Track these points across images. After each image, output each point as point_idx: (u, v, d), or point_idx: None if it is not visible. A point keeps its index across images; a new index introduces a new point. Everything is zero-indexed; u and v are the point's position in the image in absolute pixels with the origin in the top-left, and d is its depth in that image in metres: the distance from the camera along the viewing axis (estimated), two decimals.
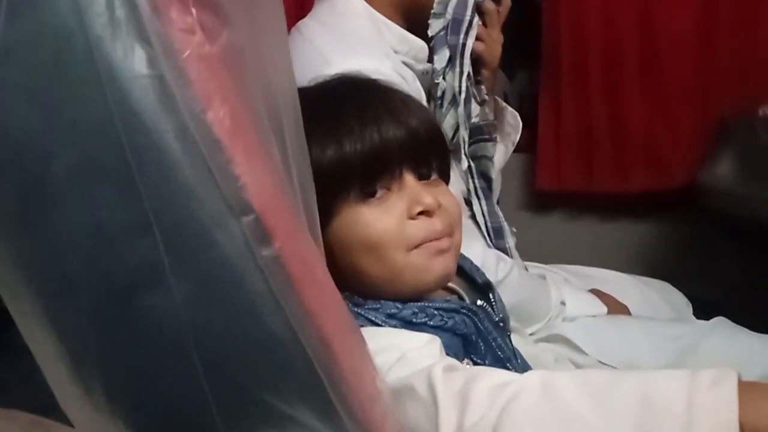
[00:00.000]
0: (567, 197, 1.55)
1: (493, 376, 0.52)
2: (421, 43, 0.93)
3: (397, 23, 0.93)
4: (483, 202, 1.00)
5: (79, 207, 0.37)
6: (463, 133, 0.94)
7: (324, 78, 0.69)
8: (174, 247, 0.37)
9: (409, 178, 0.62)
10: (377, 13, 0.92)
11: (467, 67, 0.92)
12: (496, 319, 0.67)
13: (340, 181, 0.61)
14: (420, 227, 0.62)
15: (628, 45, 1.43)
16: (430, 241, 0.62)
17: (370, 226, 0.61)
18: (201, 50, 0.37)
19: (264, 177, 0.39)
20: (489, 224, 1.00)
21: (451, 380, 0.51)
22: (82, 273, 0.37)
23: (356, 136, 0.61)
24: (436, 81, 0.92)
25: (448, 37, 0.92)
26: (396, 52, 0.91)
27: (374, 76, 0.70)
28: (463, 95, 0.92)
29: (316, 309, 0.40)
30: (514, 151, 1.12)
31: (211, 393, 0.38)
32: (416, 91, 0.88)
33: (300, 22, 0.94)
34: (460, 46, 0.92)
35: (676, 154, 1.45)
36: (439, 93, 0.92)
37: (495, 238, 1.00)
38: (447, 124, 0.94)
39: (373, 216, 0.61)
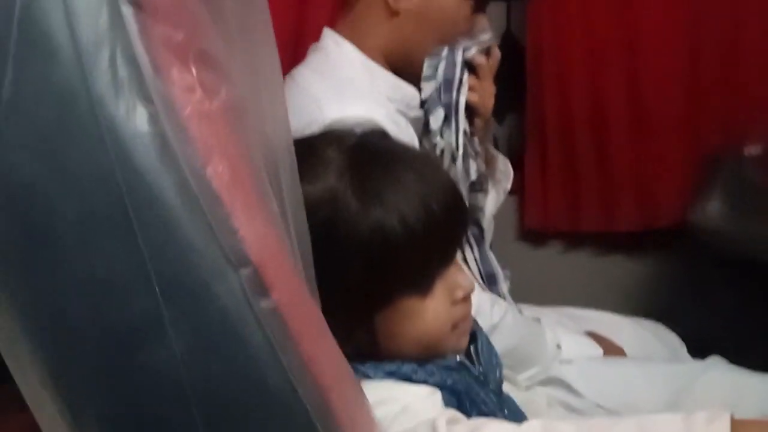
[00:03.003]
0: (557, 236, 1.56)
1: (495, 426, 0.52)
2: (413, 91, 0.95)
3: (388, 71, 0.95)
4: (475, 250, 1.00)
5: (80, 260, 0.37)
6: (462, 189, 0.95)
7: (338, 128, 0.66)
8: (174, 300, 0.37)
9: None
10: (371, 62, 0.94)
11: (462, 123, 0.94)
12: (476, 373, 0.65)
13: (412, 270, 0.58)
14: (463, 311, 0.62)
15: (613, 85, 1.46)
16: (465, 321, 0.62)
17: (430, 323, 0.59)
18: (201, 107, 0.38)
19: (262, 229, 0.40)
20: (482, 271, 1.01)
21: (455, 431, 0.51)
22: (82, 325, 0.38)
23: (437, 219, 0.57)
24: (434, 141, 0.93)
25: (442, 97, 0.93)
26: (390, 100, 0.93)
27: (368, 123, 0.71)
28: (461, 150, 0.94)
29: (314, 359, 0.41)
30: None
31: None
32: (410, 136, 0.90)
33: (294, 70, 0.96)
34: (453, 103, 0.93)
35: (664, 193, 1.47)
36: (438, 152, 0.94)
37: (488, 284, 1.00)
38: None
39: (430, 311, 0.59)
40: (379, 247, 0.56)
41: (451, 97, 0.93)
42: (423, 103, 0.95)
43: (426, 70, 0.94)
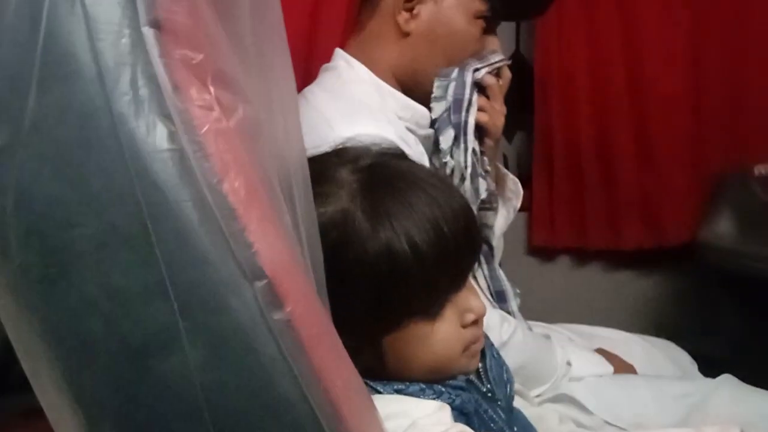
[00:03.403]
0: (566, 254, 1.56)
1: None
2: (423, 110, 0.97)
3: (398, 91, 0.97)
4: (485, 267, 1.01)
5: (99, 272, 0.38)
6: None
7: (352, 149, 0.65)
8: (189, 311, 0.38)
9: None
10: (381, 81, 0.96)
11: (471, 143, 0.95)
12: (484, 389, 0.65)
13: (421, 294, 0.57)
14: (473, 334, 0.61)
15: (618, 104, 1.48)
16: (476, 342, 0.62)
17: (439, 347, 0.59)
18: (218, 125, 0.39)
19: (276, 243, 0.41)
20: (492, 288, 1.01)
21: None
22: (100, 336, 0.39)
23: (447, 243, 0.56)
24: (444, 160, 0.94)
25: (451, 117, 0.95)
26: (400, 118, 0.95)
27: (376, 139, 0.72)
28: (469, 170, 0.94)
29: (325, 371, 0.41)
30: None
31: None
32: (419, 153, 0.91)
33: (306, 89, 0.98)
34: (462, 123, 0.94)
35: (669, 212, 1.47)
36: (447, 171, 0.95)
37: (498, 301, 1.01)
38: None
39: (440, 334, 0.59)
40: (387, 271, 0.56)
41: (461, 117, 0.94)
42: (433, 123, 0.96)
43: (436, 90, 0.95)
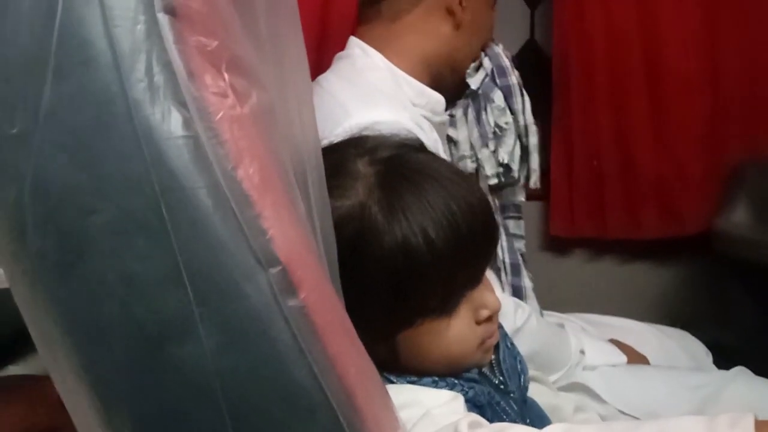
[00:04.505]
0: (582, 244, 1.56)
1: (518, 430, 0.52)
2: (438, 96, 0.97)
3: (417, 78, 0.97)
4: (503, 237, 1.03)
5: (115, 259, 0.39)
6: (511, 167, 1.06)
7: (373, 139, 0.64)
8: (204, 298, 0.38)
9: None
10: (396, 68, 0.96)
11: (528, 102, 1.05)
12: (496, 381, 0.65)
13: (437, 291, 0.57)
14: (487, 330, 0.61)
15: (636, 93, 1.46)
16: (490, 338, 0.62)
17: (453, 343, 0.59)
18: (233, 112, 0.39)
19: (290, 230, 0.41)
20: (507, 259, 1.03)
21: None
22: (116, 322, 0.39)
23: (464, 240, 0.56)
24: (501, 121, 1.03)
25: (497, 80, 1.03)
26: (414, 105, 0.95)
27: (394, 126, 0.72)
28: (531, 120, 1.04)
29: (339, 358, 0.41)
30: (529, 199, 1.15)
31: None
32: (434, 140, 0.91)
33: (320, 77, 0.98)
34: (514, 84, 1.04)
35: (688, 202, 1.46)
36: (502, 124, 1.04)
37: (512, 274, 1.02)
38: (490, 161, 1.03)
39: (454, 331, 0.59)
40: (403, 266, 0.56)
41: (509, 80, 1.04)
42: (473, 92, 1.05)
43: (469, 68, 1.04)
